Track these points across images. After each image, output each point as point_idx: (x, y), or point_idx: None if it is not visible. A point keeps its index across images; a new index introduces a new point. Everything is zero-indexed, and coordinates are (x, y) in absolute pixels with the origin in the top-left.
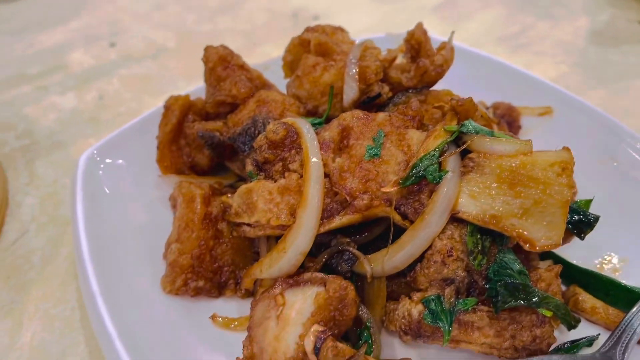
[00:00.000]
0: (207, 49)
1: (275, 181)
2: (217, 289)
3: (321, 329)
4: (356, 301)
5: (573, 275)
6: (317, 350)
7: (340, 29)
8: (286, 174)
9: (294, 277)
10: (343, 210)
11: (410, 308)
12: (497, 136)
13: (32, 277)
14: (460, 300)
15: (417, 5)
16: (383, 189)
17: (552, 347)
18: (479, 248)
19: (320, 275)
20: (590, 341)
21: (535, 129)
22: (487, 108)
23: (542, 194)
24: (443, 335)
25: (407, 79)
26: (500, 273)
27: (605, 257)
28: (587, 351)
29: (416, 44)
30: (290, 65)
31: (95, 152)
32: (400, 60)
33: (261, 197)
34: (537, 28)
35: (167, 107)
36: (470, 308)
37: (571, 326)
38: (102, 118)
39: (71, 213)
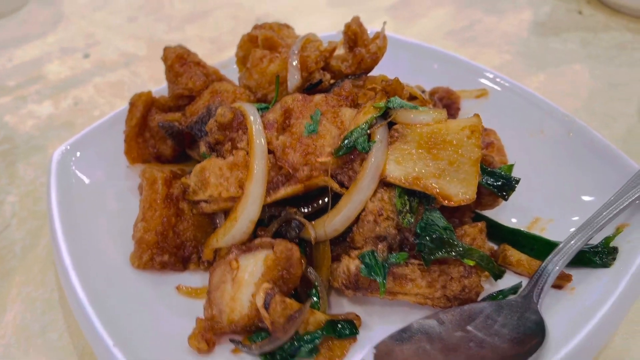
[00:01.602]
0: (166, 49)
1: (225, 159)
2: (181, 263)
3: (270, 286)
4: (301, 261)
5: (504, 235)
6: (267, 306)
7: (286, 26)
8: (234, 151)
9: (246, 244)
10: (287, 182)
11: (349, 264)
12: (422, 109)
13: (14, 265)
14: (393, 255)
15: (373, 6)
16: (319, 160)
17: (481, 296)
18: (407, 208)
19: (268, 239)
20: (514, 289)
21: (473, 110)
22: (423, 91)
23: (455, 155)
24: (379, 287)
25: (346, 66)
26: (426, 229)
27: (535, 218)
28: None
29: (352, 35)
30: (243, 60)
31: (68, 147)
32: (340, 51)
33: (213, 173)
34: (484, 22)
35: (132, 104)
36: (402, 262)
37: (497, 276)
38: (77, 122)
39: (47, 204)
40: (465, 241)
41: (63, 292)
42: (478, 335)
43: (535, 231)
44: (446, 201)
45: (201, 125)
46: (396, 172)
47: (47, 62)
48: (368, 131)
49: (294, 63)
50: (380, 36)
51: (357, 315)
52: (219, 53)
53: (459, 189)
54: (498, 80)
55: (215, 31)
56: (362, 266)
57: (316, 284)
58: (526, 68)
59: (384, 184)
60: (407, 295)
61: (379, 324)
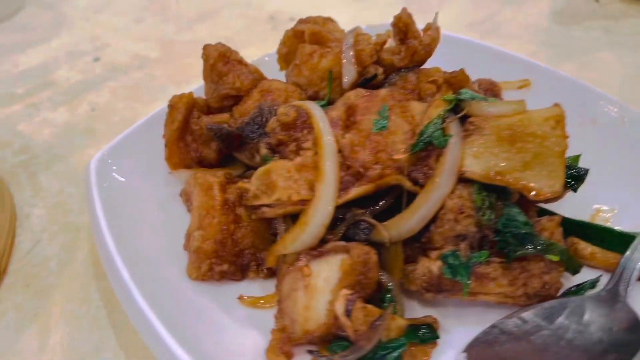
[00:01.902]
0: (206, 47)
1: (291, 160)
2: (240, 272)
3: (350, 292)
4: (378, 264)
5: (569, 228)
6: (348, 313)
7: (330, 20)
8: (301, 152)
9: (317, 249)
10: (357, 182)
11: (430, 265)
12: (492, 101)
13: (51, 282)
14: (475, 254)
15: (386, 1)
16: (395, 157)
17: (560, 292)
18: (486, 204)
19: (342, 243)
20: (593, 283)
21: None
22: (473, 82)
23: (540, 147)
24: (462, 289)
25: (399, 59)
26: (508, 225)
27: (595, 209)
28: (592, 292)
29: (404, 27)
30: (285, 57)
31: (105, 155)
32: (389, 44)
33: (280, 176)
34: (503, 13)
35: (172, 106)
36: (484, 260)
37: (575, 271)
38: (96, 128)
39: (90, 215)
40: (545, 236)
41: (110, 308)
42: (567, 333)
43: (600, 222)
44: (533, 194)
45: (253, 126)
46: (475, 167)
47: (55, 67)
48: (442, 125)
49: (349, 58)
50: (432, 27)
51: (435, 319)
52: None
53: (546, 183)
54: (540, 69)
55: (227, 30)
56: (445, 267)
57: (390, 287)
58: (553, 58)
59: (462, 180)
60: (488, 295)
61: (456, 325)
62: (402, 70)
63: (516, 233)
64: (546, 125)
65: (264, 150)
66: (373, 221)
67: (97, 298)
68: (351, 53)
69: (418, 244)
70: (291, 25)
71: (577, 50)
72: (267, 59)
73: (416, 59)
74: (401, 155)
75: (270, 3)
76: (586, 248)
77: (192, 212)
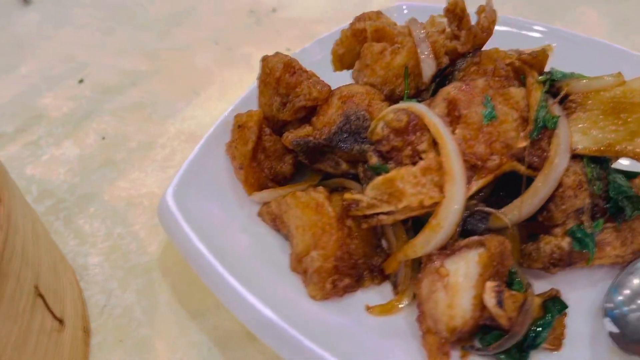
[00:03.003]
0: (267, 60)
1: (413, 165)
2: (356, 283)
3: (495, 283)
4: (511, 252)
5: None
6: (500, 303)
7: (380, 12)
8: (423, 155)
9: (449, 248)
10: (476, 174)
11: (559, 242)
12: (579, 77)
13: (146, 333)
14: (593, 224)
15: None
16: (518, 146)
17: None
18: (595, 175)
19: (476, 238)
20: None
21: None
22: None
23: None
24: (587, 258)
25: (461, 45)
26: (617, 191)
27: None
28: None
29: (461, 12)
30: (341, 58)
31: (177, 186)
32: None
33: (408, 183)
34: None
35: (243, 126)
36: (601, 228)
37: None
38: (116, 158)
39: (184, 248)
40: None
41: (221, 347)
42: None
43: None
44: None
45: (342, 135)
46: (585, 142)
47: (38, 97)
48: (548, 107)
49: (426, 52)
50: (487, 9)
51: (558, 290)
52: (230, 53)
53: None
54: (558, 33)
55: (210, 30)
56: (574, 241)
57: (512, 270)
58: (537, 17)
59: (571, 156)
60: (604, 258)
61: (569, 291)
62: (467, 55)
63: (627, 197)
64: None
65: (374, 159)
66: (489, 209)
67: (205, 339)
68: (425, 45)
69: (526, 225)
70: (274, 17)
71: (556, 6)
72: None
73: (477, 43)
74: (522, 144)
75: None
76: None
77: (296, 232)
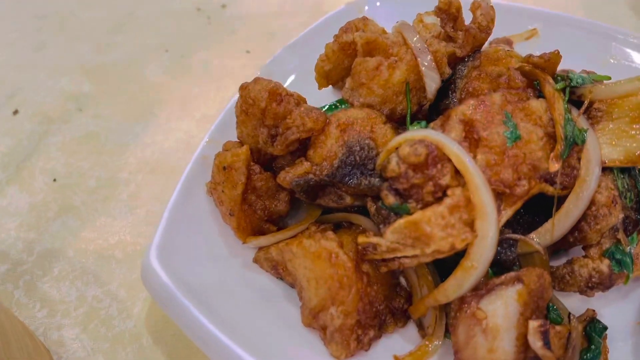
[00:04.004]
0: (248, 89)
1: (433, 203)
2: (379, 331)
3: (539, 322)
4: (551, 283)
5: None
6: (547, 344)
7: (366, 19)
8: (449, 191)
9: (482, 287)
10: (503, 203)
11: (598, 265)
12: (594, 78)
13: None
14: (629, 240)
15: None
16: (550, 169)
17: None
18: (625, 186)
19: (512, 273)
20: None
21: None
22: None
23: None
24: (626, 277)
25: (459, 48)
26: None
27: None
28: None
29: (456, 12)
30: (327, 74)
31: (160, 242)
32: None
33: (436, 226)
34: None
35: (229, 167)
36: (637, 242)
37: None
38: (74, 202)
39: (184, 320)
40: None
41: None
42: None
43: None
44: None
45: (346, 169)
46: (615, 154)
47: None
48: (574, 120)
49: (428, 63)
50: (483, 6)
51: (593, 310)
52: (184, 60)
53: None
54: (543, 15)
55: (158, 34)
56: (613, 262)
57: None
58: None
59: (602, 169)
60: (638, 271)
61: (602, 307)
62: (467, 59)
63: None
64: None
65: (390, 199)
66: (518, 236)
67: None
68: (427, 56)
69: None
70: (226, 14)
71: None
72: (258, 73)
73: (476, 45)
74: (555, 166)
75: None
76: None
77: (308, 285)
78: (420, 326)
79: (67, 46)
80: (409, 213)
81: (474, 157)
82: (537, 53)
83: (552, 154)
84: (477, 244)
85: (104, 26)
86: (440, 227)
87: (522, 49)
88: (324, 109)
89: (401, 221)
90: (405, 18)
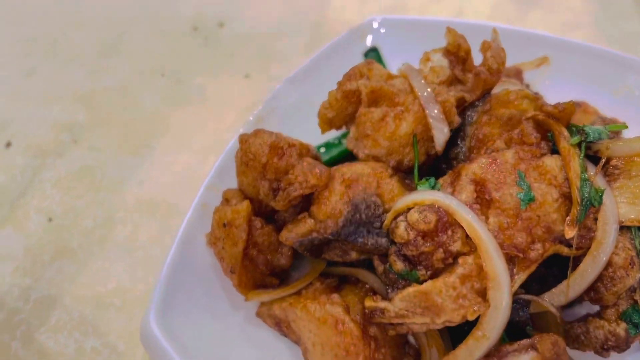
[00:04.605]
0: (249, 142)
1: (443, 270)
2: None
3: None
4: (566, 349)
5: None
6: None
7: (371, 62)
8: (460, 259)
9: (494, 354)
10: (516, 267)
11: (614, 328)
12: (611, 129)
13: None
14: None
15: None
16: (567, 235)
17: None
18: None
19: (525, 341)
20: None
21: (541, 82)
22: (527, 86)
23: None
24: None
25: (468, 93)
26: None
27: None
28: None
29: (465, 55)
30: (331, 121)
31: (158, 305)
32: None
33: (447, 297)
34: None
35: (230, 224)
36: None
37: None
38: (71, 245)
39: None
40: None
41: None
42: None
43: None
44: None
45: (351, 227)
46: (632, 214)
47: None
48: (590, 180)
49: (435, 113)
50: (493, 47)
51: None
52: (181, 86)
53: None
54: (555, 42)
55: (153, 57)
56: (629, 325)
57: None
58: (518, 7)
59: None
60: None
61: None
62: (476, 103)
63: None
64: None
65: (399, 266)
66: (530, 297)
67: None
68: (435, 107)
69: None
70: (223, 34)
71: None
72: (251, 118)
73: (486, 88)
74: (571, 232)
75: (181, 8)
76: None
77: (313, 349)
78: None
79: (58, 71)
80: (418, 281)
81: (486, 220)
82: (548, 82)
83: (567, 218)
84: (489, 314)
85: (96, 48)
86: (451, 299)
87: (533, 77)
88: (324, 146)
89: (410, 290)
90: (410, 46)
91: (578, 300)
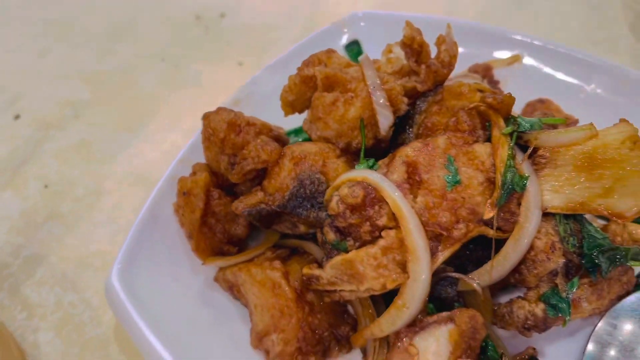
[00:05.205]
0: (208, 119)
1: (371, 242)
2: (323, 357)
3: None
4: (484, 324)
5: None
6: None
7: (332, 51)
8: (382, 232)
9: (417, 324)
10: (440, 244)
11: (533, 309)
12: (546, 122)
13: None
14: (567, 284)
15: None
16: (485, 216)
17: None
18: (569, 231)
19: (444, 314)
20: None
21: (512, 80)
22: (482, 80)
23: (622, 171)
24: (564, 320)
25: (420, 83)
26: (592, 246)
27: None
28: None
29: (418, 47)
30: (292, 104)
31: (122, 263)
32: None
33: (368, 266)
34: None
35: (188, 193)
36: (577, 287)
37: None
38: (62, 210)
39: (136, 338)
40: (617, 242)
41: None
42: None
43: None
44: (618, 219)
45: (296, 201)
46: (556, 202)
47: None
48: (516, 167)
49: (381, 100)
50: (447, 41)
51: (534, 348)
52: (179, 72)
53: (630, 204)
54: (527, 41)
55: (156, 43)
56: (548, 307)
57: (487, 333)
58: (508, 8)
59: (542, 214)
60: (580, 314)
61: (546, 345)
62: (428, 93)
63: (601, 251)
64: (624, 147)
65: (331, 236)
66: (458, 275)
67: None
68: (380, 94)
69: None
70: (224, 24)
71: None
72: (227, 100)
73: (438, 80)
74: (489, 214)
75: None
76: (637, 229)
77: (255, 310)
78: (365, 354)
79: (69, 53)
80: (347, 251)
81: (415, 199)
82: (519, 79)
83: (488, 201)
84: (409, 285)
85: (106, 33)
86: (372, 268)
87: (505, 75)
88: (294, 132)
89: (338, 258)
90: (390, 39)
91: (509, 283)
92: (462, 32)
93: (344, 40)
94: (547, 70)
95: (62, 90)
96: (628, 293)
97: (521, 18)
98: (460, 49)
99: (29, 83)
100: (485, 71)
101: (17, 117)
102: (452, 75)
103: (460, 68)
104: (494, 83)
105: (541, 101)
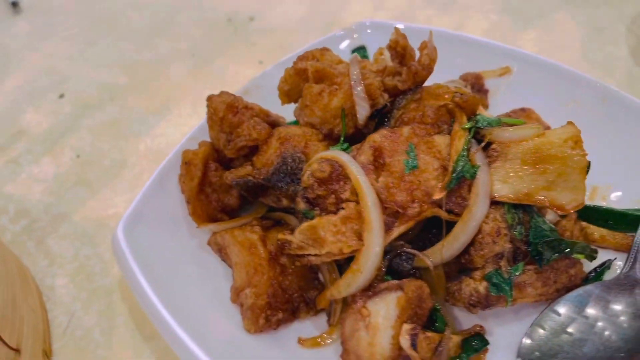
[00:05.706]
0: (211, 99)
1: (335, 212)
2: (292, 315)
3: (411, 326)
4: (430, 295)
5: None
6: (414, 345)
7: (325, 49)
8: (343, 204)
9: (371, 290)
10: (397, 220)
11: (477, 286)
12: (505, 122)
13: (103, 355)
14: (513, 267)
15: None
16: (434, 197)
17: None
18: (516, 220)
19: (394, 282)
20: (609, 265)
21: (500, 89)
22: (466, 86)
23: (563, 167)
24: (507, 300)
25: (401, 83)
26: (537, 236)
27: (592, 187)
28: (610, 274)
29: (402, 50)
30: (288, 93)
31: (127, 221)
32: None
33: (328, 232)
34: None
35: (189, 162)
36: (521, 271)
37: (592, 258)
38: (89, 177)
39: (131, 282)
40: (566, 236)
41: None
42: (599, 320)
43: (598, 201)
44: (558, 210)
45: (279, 175)
46: (504, 191)
47: (20, 112)
48: (469, 157)
49: (361, 94)
50: (429, 46)
51: (481, 326)
52: (206, 67)
53: (570, 197)
54: (520, 55)
55: (188, 40)
56: (491, 285)
57: (438, 307)
58: (515, 26)
59: (492, 202)
60: (525, 298)
61: (495, 326)
62: (408, 92)
63: (546, 241)
64: (566, 146)
65: (302, 205)
66: (413, 251)
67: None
68: (360, 87)
69: (454, 260)
70: (251, 27)
71: (534, 15)
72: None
73: (418, 80)
74: (439, 195)
75: (224, 4)
76: (595, 231)
77: (234, 268)
78: (328, 316)
79: (113, 44)
80: (312, 219)
81: (377, 179)
82: (506, 89)
83: (439, 184)
84: (363, 251)
85: (147, 29)
86: (332, 233)
87: (495, 85)
88: (294, 123)
89: (305, 224)
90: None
91: (462, 264)
92: (465, 45)
93: (352, 45)
94: (534, 81)
95: (103, 76)
96: (576, 286)
97: (527, 36)
98: (457, 60)
99: (76, 68)
100: (475, 80)
101: (61, 95)
102: (443, 82)
103: (455, 77)
104: (483, 92)
105: (523, 110)
